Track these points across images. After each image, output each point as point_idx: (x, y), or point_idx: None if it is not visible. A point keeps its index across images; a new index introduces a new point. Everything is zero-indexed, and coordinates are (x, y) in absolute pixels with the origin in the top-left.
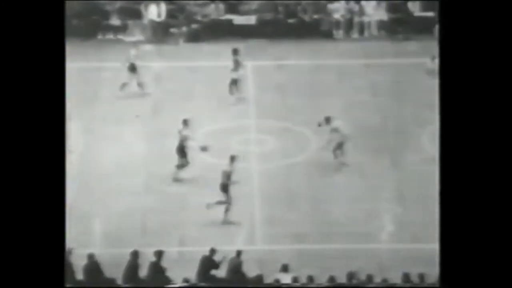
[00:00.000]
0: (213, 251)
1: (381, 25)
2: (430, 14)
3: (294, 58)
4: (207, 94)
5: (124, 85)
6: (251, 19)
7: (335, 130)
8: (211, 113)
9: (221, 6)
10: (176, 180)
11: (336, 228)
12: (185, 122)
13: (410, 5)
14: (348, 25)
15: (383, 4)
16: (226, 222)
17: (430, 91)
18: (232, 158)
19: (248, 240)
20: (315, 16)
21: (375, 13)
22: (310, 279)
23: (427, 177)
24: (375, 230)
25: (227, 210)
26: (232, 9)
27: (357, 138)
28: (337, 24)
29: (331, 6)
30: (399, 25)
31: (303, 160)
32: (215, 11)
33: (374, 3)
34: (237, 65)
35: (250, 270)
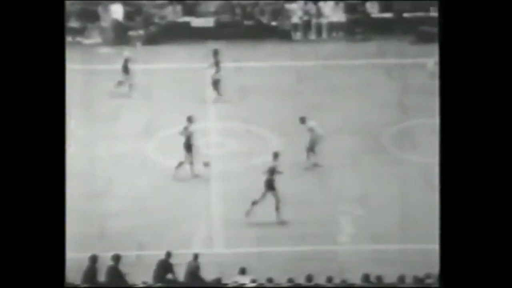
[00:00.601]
0: (169, 255)
1: (339, 26)
2: (388, 15)
3: (252, 60)
4: (166, 96)
5: (119, 84)
6: (209, 21)
7: (310, 130)
8: (171, 115)
9: (179, 8)
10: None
11: (296, 230)
12: (190, 119)
13: (368, 6)
14: (306, 27)
15: (341, 5)
16: (279, 221)
17: (390, 91)
18: (276, 155)
19: (207, 243)
20: (273, 18)
21: (332, 14)
22: (270, 281)
23: (389, 178)
24: (335, 231)
25: (277, 207)
26: (190, 11)
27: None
28: (295, 25)
29: (289, 7)
30: (357, 26)
31: (264, 162)
32: (172, 13)
33: (331, 4)
34: (217, 65)
35: (209, 273)
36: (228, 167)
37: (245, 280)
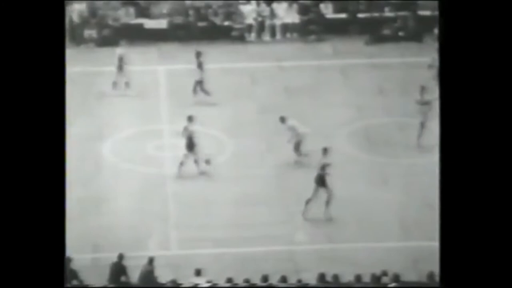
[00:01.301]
0: (121, 257)
1: (293, 27)
2: (343, 15)
3: (205, 62)
4: (120, 99)
5: (114, 84)
6: (162, 23)
7: (291, 129)
8: (126, 117)
9: (132, 10)
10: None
11: (251, 231)
12: (190, 119)
13: (322, 7)
14: (260, 28)
15: (295, 6)
16: (327, 216)
17: (345, 92)
18: (325, 150)
19: (162, 245)
20: (226, 19)
21: (286, 15)
22: (229, 281)
23: (345, 177)
24: (290, 232)
25: (328, 203)
26: (143, 13)
27: (271, 140)
28: (248, 27)
29: (242, 9)
30: (311, 27)
31: (218, 164)
32: (125, 15)
33: (285, 5)
34: (200, 67)
35: (164, 275)
36: (182, 169)
37: (201, 281)
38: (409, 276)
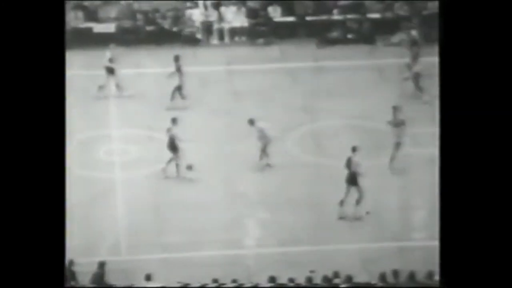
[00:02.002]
0: (71, 263)
1: (242, 31)
2: (291, 18)
3: (154, 66)
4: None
5: (101, 88)
6: (111, 27)
7: (260, 132)
8: (77, 123)
9: (80, 14)
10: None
11: (202, 236)
12: (174, 121)
13: (270, 10)
14: (208, 32)
15: (243, 10)
16: (357, 215)
17: (294, 95)
18: (354, 149)
19: (113, 250)
20: (175, 23)
21: (234, 19)
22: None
23: (293, 180)
24: (240, 235)
25: (358, 202)
26: (91, 17)
27: (221, 144)
28: (197, 31)
29: (191, 12)
30: (260, 31)
31: (167, 168)
32: (74, 19)
33: (233, 9)
34: (179, 71)
35: (115, 280)
36: (132, 174)
37: (152, 286)
38: (361, 277)
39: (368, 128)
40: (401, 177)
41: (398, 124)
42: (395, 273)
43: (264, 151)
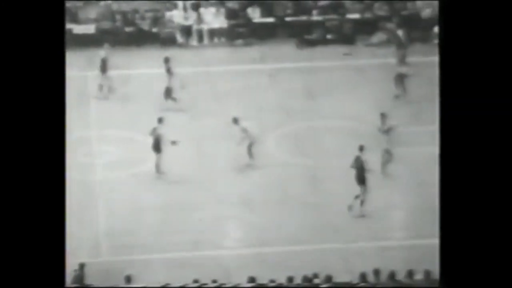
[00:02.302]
0: None
1: (221, 32)
2: (270, 19)
3: (134, 67)
4: None
5: (100, 87)
6: (90, 28)
7: (244, 131)
8: None
9: None
10: None
11: (182, 237)
12: (160, 120)
13: (249, 11)
14: (187, 33)
15: (222, 11)
16: (362, 214)
17: (273, 96)
18: (361, 148)
19: (93, 252)
20: (154, 24)
21: (214, 20)
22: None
23: (273, 180)
24: (220, 236)
25: (362, 202)
26: (71, 19)
27: (201, 145)
28: (176, 32)
29: (170, 14)
30: (239, 32)
31: (146, 169)
32: None
33: (213, 10)
34: (169, 73)
35: (95, 281)
36: (111, 176)
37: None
38: (341, 277)
39: (348, 128)
40: (383, 176)
41: (387, 130)
42: (376, 272)
43: (249, 152)
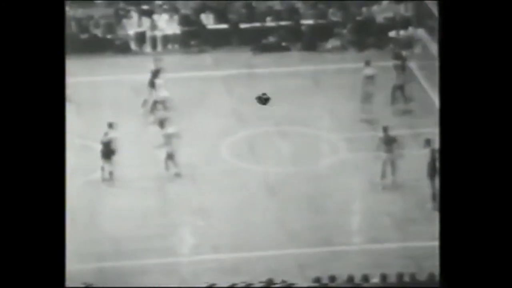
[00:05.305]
0: None
1: (174, 38)
2: (224, 26)
3: (87, 75)
4: None
5: None
6: None
7: (166, 137)
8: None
9: None
10: None
11: (133, 244)
12: (111, 125)
13: (203, 17)
14: (141, 40)
15: (175, 17)
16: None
17: (227, 102)
18: (428, 142)
19: None
20: (108, 31)
21: (167, 26)
22: None
23: (226, 188)
24: (174, 243)
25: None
26: None
27: (154, 153)
28: (130, 38)
29: (124, 21)
30: (193, 38)
31: (99, 176)
32: None
33: (166, 17)
34: (152, 86)
35: None
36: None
37: None
38: (297, 282)
39: (302, 134)
40: (337, 180)
41: (389, 141)
42: (332, 278)
43: (171, 159)
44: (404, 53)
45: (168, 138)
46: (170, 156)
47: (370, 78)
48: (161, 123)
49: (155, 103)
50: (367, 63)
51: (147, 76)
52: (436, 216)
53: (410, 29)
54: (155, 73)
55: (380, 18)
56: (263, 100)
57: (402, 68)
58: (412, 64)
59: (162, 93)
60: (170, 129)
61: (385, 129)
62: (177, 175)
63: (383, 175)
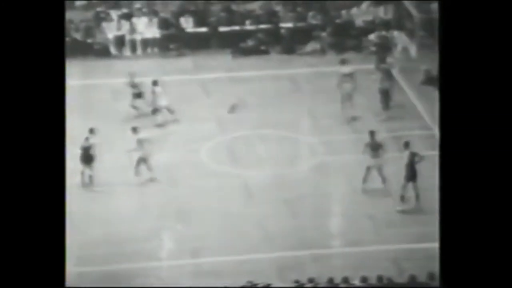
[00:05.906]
0: None
1: (153, 42)
2: (203, 29)
3: (68, 78)
4: None
5: None
6: None
7: (139, 143)
8: None
9: None
10: None
11: (117, 248)
12: (92, 131)
13: (182, 21)
14: (120, 43)
15: (155, 21)
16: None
17: (207, 106)
18: (407, 144)
19: None
20: (87, 35)
21: (146, 30)
22: None
23: (206, 192)
24: (154, 248)
25: (418, 197)
26: None
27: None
28: (109, 42)
29: (104, 24)
30: (172, 42)
31: (78, 181)
32: None
33: (145, 20)
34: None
35: None
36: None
37: None
38: (277, 285)
39: (282, 137)
40: (316, 183)
41: (375, 147)
42: (311, 280)
43: (145, 164)
44: (388, 59)
45: (140, 143)
46: (143, 161)
47: (347, 76)
48: (160, 126)
49: (155, 110)
50: (343, 62)
51: (125, 80)
52: (413, 218)
53: (390, 32)
54: (154, 82)
55: (359, 21)
56: (232, 109)
57: (387, 72)
58: (392, 67)
59: (162, 101)
60: (141, 134)
61: (371, 134)
62: (152, 180)
63: (365, 180)
